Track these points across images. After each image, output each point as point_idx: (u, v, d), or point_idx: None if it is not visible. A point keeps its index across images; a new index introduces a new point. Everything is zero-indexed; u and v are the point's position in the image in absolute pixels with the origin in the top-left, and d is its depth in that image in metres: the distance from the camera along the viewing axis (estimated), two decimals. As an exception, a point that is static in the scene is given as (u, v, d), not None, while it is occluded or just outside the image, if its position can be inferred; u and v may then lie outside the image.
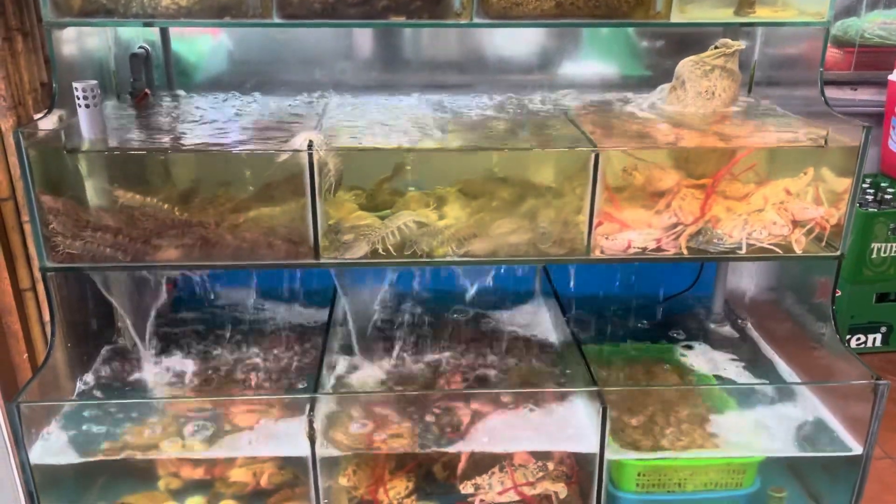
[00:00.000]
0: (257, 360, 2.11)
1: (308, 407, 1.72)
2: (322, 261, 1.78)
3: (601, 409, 1.72)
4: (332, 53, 2.30)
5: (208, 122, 1.94)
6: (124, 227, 1.74)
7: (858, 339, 3.21)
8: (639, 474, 1.83)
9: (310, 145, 1.70)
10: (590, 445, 1.78)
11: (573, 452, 1.85)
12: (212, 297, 2.38)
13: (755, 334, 2.32)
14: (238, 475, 1.93)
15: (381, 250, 1.78)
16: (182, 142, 1.78)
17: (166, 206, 1.74)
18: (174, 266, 1.78)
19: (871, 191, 3.17)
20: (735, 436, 1.85)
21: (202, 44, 2.28)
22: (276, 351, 2.16)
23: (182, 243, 1.77)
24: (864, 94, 3.33)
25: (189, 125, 1.92)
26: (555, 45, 2.33)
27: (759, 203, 1.88)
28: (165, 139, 1.80)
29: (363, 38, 2.32)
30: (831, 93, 2.13)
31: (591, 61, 2.38)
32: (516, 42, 2.32)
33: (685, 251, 1.83)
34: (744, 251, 1.83)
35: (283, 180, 1.77)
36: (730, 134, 1.89)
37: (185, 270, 1.95)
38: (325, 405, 1.81)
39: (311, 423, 1.70)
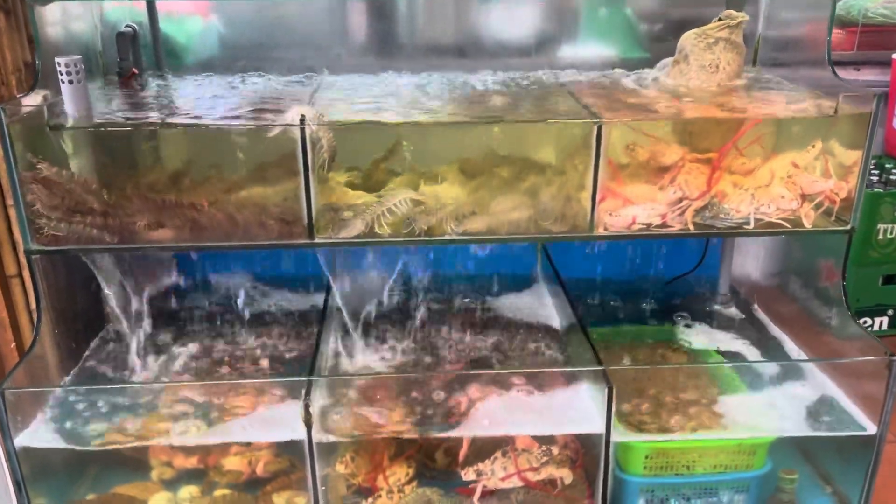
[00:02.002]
0: (254, 346, 2.06)
1: (304, 391, 1.66)
2: (316, 241, 1.72)
3: (607, 390, 1.67)
4: (326, 33, 2.24)
5: (198, 101, 1.88)
6: (111, 207, 1.69)
7: (865, 322, 3.15)
8: (646, 457, 1.78)
9: (302, 119, 1.64)
10: (595, 427, 1.73)
11: (578, 435, 1.79)
12: (209, 282, 2.32)
13: (762, 315, 2.27)
14: (233, 463, 1.88)
15: (376, 229, 1.72)
16: (170, 119, 1.72)
17: (87, 184, 1.66)
18: (164, 247, 1.72)
19: (877, 172, 3.12)
20: (744, 416, 1.80)
21: (191, 24, 2.22)
22: (273, 337, 2.10)
23: (172, 224, 1.71)
24: (868, 75, 3.27)
25: (178, 104, 1.86)
26: (553, 28, 2.27)
27: (766, 177, 1.82)
28: (153, 116, 1.74)
29: (357, 17, 2.26)
30: (832, 81, 2.07)
31: (590, 44, 2.32)
32: (514, 24, 2.26)
33: (692, 226, 1.77)
34: (752, 226, 1.77)
35: (275, 157, 1.71)
36: (735, 106, 1.83)
37: (176, 251, 1.89)
38: (322, 390, 1.75)
39: (307, 407, 1.64)
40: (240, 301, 2.24)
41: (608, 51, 2.28)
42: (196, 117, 1.72)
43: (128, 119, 1.69)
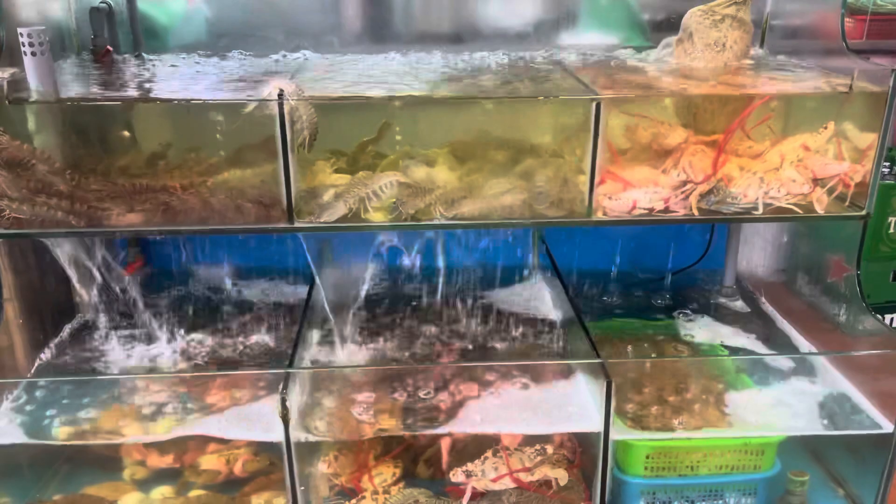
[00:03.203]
0: (233, 338, 1.95)
1: (281, 384, 1.55)
2: (296, 225, 1.62)
3: (605, 384, 1.56)
4: (312, 12, 2.13)
5: (172, 79, 1.77)
6: (78, 189, 1.58)
7: (875, 319, 3.04)
8: (647, 456, 1.67)
9: (280, 94, 1.53)
10: (593, 425, 1.62)
11: (575, 433, 1.68)
12: (187, 270, 2.22)
13: (769, 309, 2.17)
14: (209, 462, 1.78)
15: (361, 213, 1.62)
16: (142, 95, 1.62)
17: (51, 163, 1.56)
18: (134, 232, 1.62)
19: (887, 163, 3.01)
20: (752, 414, 1.70)
21: (172, 3, 2.12)
22: (253, 329, 1.99)
23: (142, 207, 1.61)
24: (878, 64, 3.17)
25: (151, 82, 1.76)
26: (553, 14, 2.16)
27: (775, 161, 1.72)
28: (125, 93, 1.63)
29: (347, -5, 2.15)
30: (843, 63, 1.97)
31: (591, 31, 2.21)
32: (513, 10, 2.16)
33: (696, 212, 1.67)
34: (760, 211, 1.67)
35: (252, 136, 1.61)
36: (743, 84, 1.73)
37: (147, 236, 1.79)
38: (302, 384, 1.64)
39: (283, 401, 1.53)
40: (220, 290, 2.13)
41: (609, 39, 2.17)
42: (168, 94, 1.62)
43: (94, 95, 1.58)
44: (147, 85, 1.73)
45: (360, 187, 1.63)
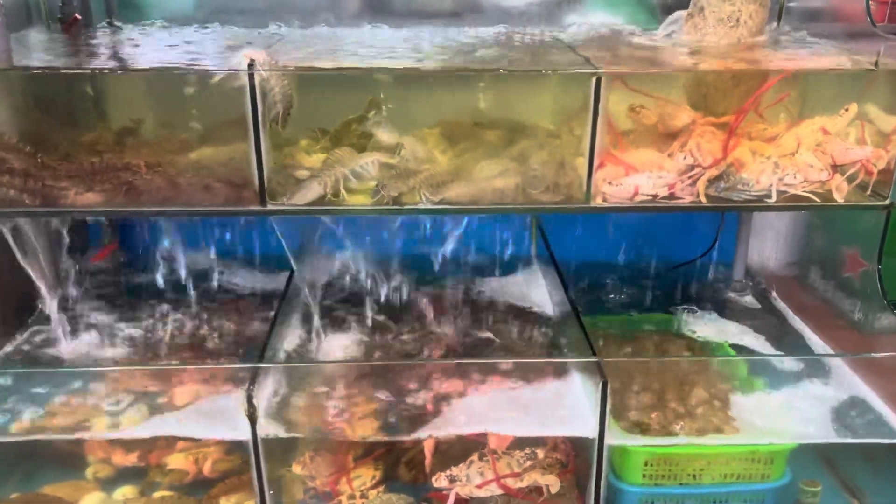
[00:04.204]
0: (206, 329, 1.83)
1: (248, 381, 1.43)
2: (269, 207, 1.49)
3: (601, 385, 1.43)
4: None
5: (142, 49, 1.65)
6: (33, 166, 1.46)
7: (892, 317, 2.89)
8: (646, 463, 1.55)
9: (250, 64, 1.40)
10: (587, 428, 1.50)
11: (568, 437, 1.56)
12: (165, 257, 2.09)
13: (781, 305, 2.04)
14: (177, 461, 1.66)
15: (339, 195, 1.49)
16: (99, 64, 1.49)
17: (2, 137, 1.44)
18: (94, 212, 1.50)
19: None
20: (761, 419, 1.57)
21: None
22: (229, 318, 1.87)
23: (102, 186, 1.49)
24: (900, 48, 3.01)
25: (118, 51, 1.64)
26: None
27: (791, 145, 1.60)
28: (83, 63, 1.51)
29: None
30: (866, 45, 1.83)
31: (596, 9, 2.07)
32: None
33: (704, 198, 1.54)
34: (774, 199, 1.54)
35: (222, 110, 1.48)
36: (758, 60, 1.60)
37: (108, 217, 1.67)
38: (274, 379, 1.52)
39: (250, 398, 1.41)
40: (198, 276, 2.00)
41: (616, 19, 2.03)
42: (133, 64, 1.50)
43: (46, 64, 1.46)
44: (112, 55, 1.60)
45: (337, 167, 1.50)
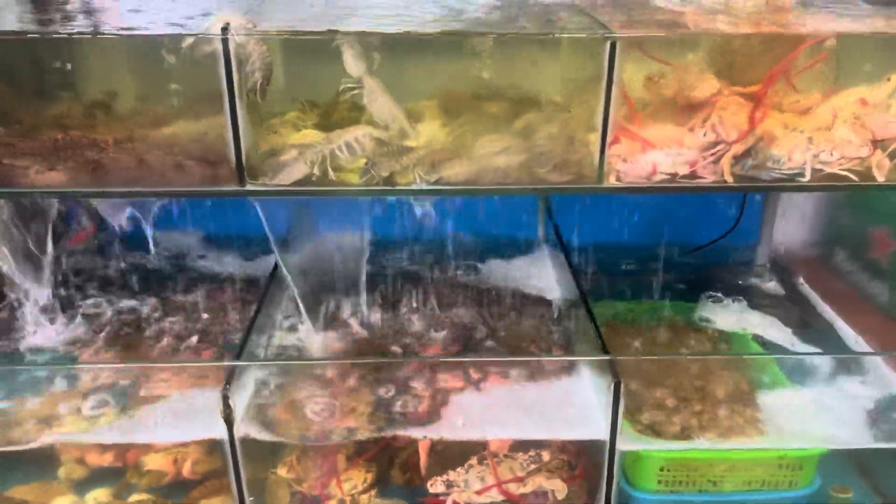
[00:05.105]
0: (186, 318, 1.70)
1: (225, 380, 1.30)
2: (248, 188, 1.35)
3: (613, 384, 1.29)
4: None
5: (109, 13, 1.50)
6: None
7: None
8: (661, 469, 1.42)
9: (224, 29, 1.26)
10: (597, 430, 1.36)
11: (575, 441, 1.42)
12: (149, 240, 1.96)
13: (808, 291, 1.88)
14: (155, 462, 1.54)
15: (326, 173, 1.35)
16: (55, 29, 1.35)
17: None
18: (55, 193, 1.37)
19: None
20: (789, 420, 1.43)
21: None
22: (211, 307, 1.74)
23: (65, 165, 1.35)
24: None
25: (83, 15, 1.49)
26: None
27: (826, 118, 1.44)
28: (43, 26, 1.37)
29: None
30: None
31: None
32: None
33: (729, 177, 1.39)
34: (808, 178, 1.39)
35: (195, 80, 1.34)
36: (790, 23, 1.44)
37: (71, 198, 1.53)
38: (254, 376, 1.39)
39: (226, 399, 1.29)
40: (181, 261, 1.88)
41: None
42: (94, 27, 1.35)
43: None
44: (74, 17, 1.46)
45: (324, 143, 1.36)
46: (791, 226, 1.99)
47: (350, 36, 1.34)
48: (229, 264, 1.89)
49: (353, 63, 1.36)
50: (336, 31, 1.34)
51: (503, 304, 1.76)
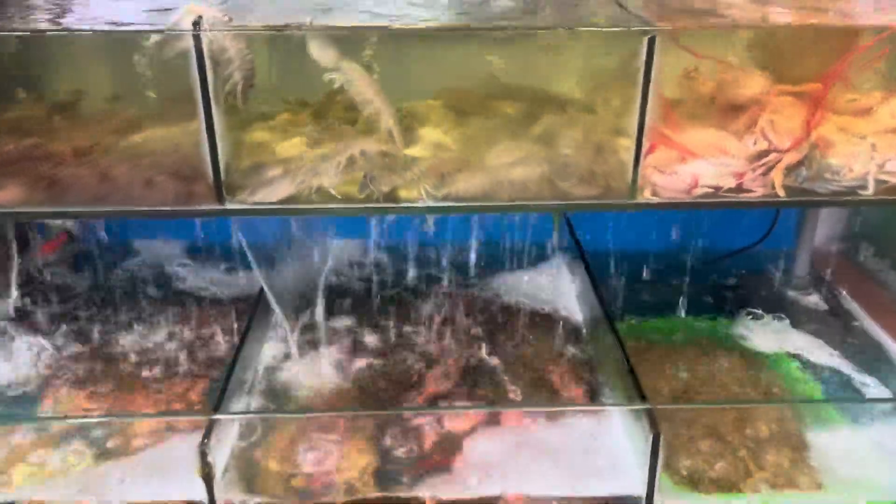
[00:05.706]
0: (163, 346, 1.51)
1: (203, 434, 1.13)
2: (227, 206, 1.18)
3: (651, 438, 1.12)
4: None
5: (79, 8, 1.31)
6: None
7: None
8: (704, 526, 1.24)
9: (196, 24, 1.07)
10: (632, 485, 1.19)
11: (606, 497, 1.25)
12: (124, 251, 1.79)
13: (853, 306, 1.70)
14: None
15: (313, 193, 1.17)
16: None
17: None
18: (9, 213, 1.18)
19: None
20: (848, 467, 1.25)
21: None
22: (190, 332, 1.56)
23: (18, 181, 1.18)
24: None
25: (42, 11, 1.30)
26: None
27: (887, 121, 1.26)
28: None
29: None
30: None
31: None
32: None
33: (781, 191, 1.21)
34: (871, 191, 1.21)
35: (163, 83, 1.15)
36: (846, 11, 1.26)
37: (27, 218, 1.35)
38: (235, 429, 1.22)
39: (204, 455, 1.11)
40: (158, 277, 1.70)
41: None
42: (54, 23, 1.16)
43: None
44: (32, 12, 1.27)
45: (316, 161, 1.18)
46: (834, 232, 1.81)
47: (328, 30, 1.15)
48: (212, 281, 1.70)
49: (319, 52, 1.17)
50: (330, 28, 1.15)
51: (516, 324, 1.58)
